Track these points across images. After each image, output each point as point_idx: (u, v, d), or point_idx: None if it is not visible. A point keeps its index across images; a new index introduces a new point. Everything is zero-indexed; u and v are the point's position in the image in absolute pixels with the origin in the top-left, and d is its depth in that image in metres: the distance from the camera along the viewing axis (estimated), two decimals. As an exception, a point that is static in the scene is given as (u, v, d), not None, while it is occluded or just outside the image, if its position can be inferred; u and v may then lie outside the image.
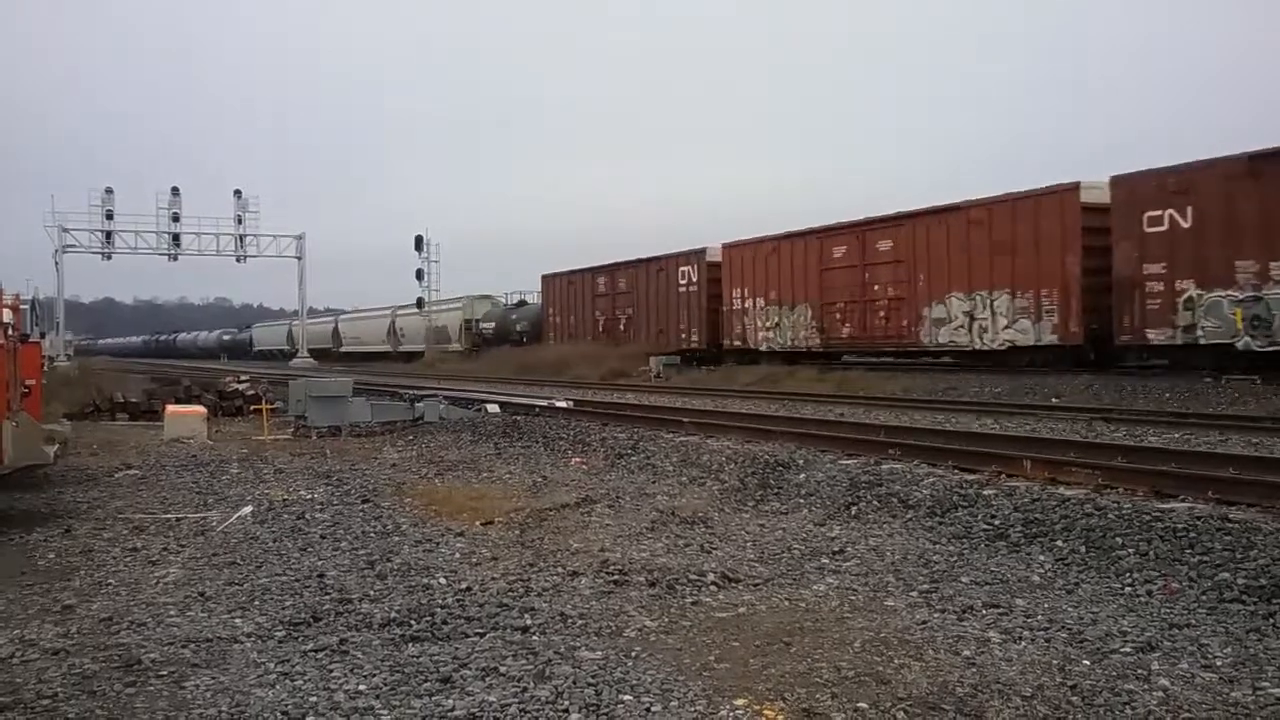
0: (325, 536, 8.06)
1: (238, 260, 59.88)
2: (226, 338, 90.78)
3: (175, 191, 56.84)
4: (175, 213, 56.71)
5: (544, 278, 43.44)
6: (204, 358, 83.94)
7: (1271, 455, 10.11)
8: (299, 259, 62.21)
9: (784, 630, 5.24)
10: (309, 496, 9.96)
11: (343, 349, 67.38)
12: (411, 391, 21.54)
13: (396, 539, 7.90)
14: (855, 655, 4.82)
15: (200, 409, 17.41)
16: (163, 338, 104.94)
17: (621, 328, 37.71)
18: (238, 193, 58.62)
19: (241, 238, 58.81)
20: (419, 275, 55.05)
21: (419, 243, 54.91)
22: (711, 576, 6.37)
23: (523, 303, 49.02)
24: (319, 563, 7.13)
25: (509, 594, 6.06)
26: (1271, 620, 5.23)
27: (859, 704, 4.18)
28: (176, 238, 57.09)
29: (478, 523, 8.40)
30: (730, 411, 18.23)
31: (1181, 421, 13.92)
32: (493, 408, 18.58)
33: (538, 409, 18.56)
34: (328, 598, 6.12)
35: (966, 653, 4.82)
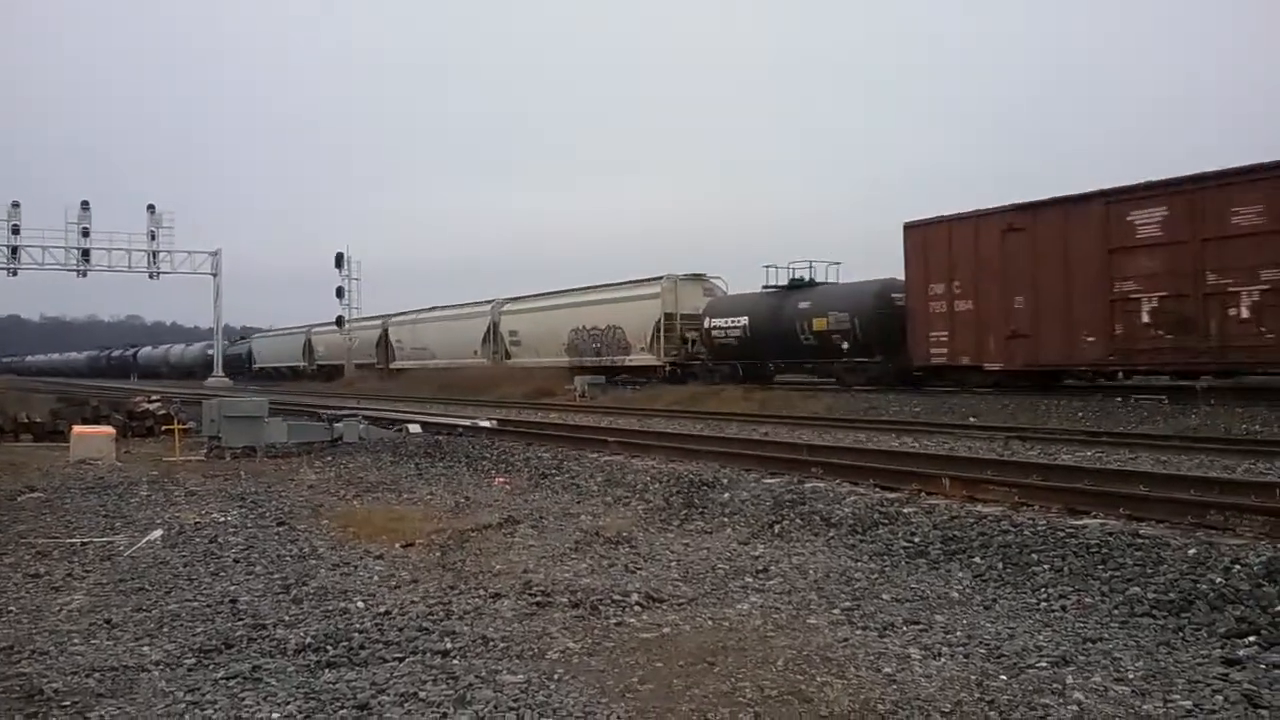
0: (239, 560, 7.83)
1: (151, 277, 58.63)
2: (213, 352, 69.30)
3: (85, 206, 55.61)
4: (85, 228, 55.44)
5: (910, 226, 24.10)
6: (180, 378, 66.74)
7: (1179, 473, 10.42)
8: (215, 275, 61.12)
9: (708, 650, 5.22)
10: (222, 519, 9.68)
11: (397, 364, 51.13)
12: (331, 411, 21.15)
13: (313, 562, 7.70)
14: (778, 674, 4.81)
15: (108, 429, 16.84)
16: (116, 354, 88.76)
17: (1245, 313, 17.56)
18: (151, 208, 57.56)
19: (155, 254, 57.56)
20: (339, 293, 54.41)
21: (339, 260, 54.26)
22: (636, 597, 6.33)
23: (806, 281, 29.02)
24: (232, 588, 6.92)
25: (429, 617, 5.95)
26: (1180, 633, 5.37)
27: (782, 723, 4.18)
28: (86, 253, 55.75)
29: (397, 545, 8.24)
30: (655, 431, 18.26)
31: (1094, 440, 14.30)
32: (414, 428, 18.35)
33: (461, 429, 18.37)
34: (240, 624, 5.94)
35: (888, 670, 4.85)
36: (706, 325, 30.88)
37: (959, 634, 5.47)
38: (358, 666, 5.05)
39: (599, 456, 13.35)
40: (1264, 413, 16.13)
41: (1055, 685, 4.58)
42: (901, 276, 24.99)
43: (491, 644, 5.37)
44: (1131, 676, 4.70)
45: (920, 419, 19.16)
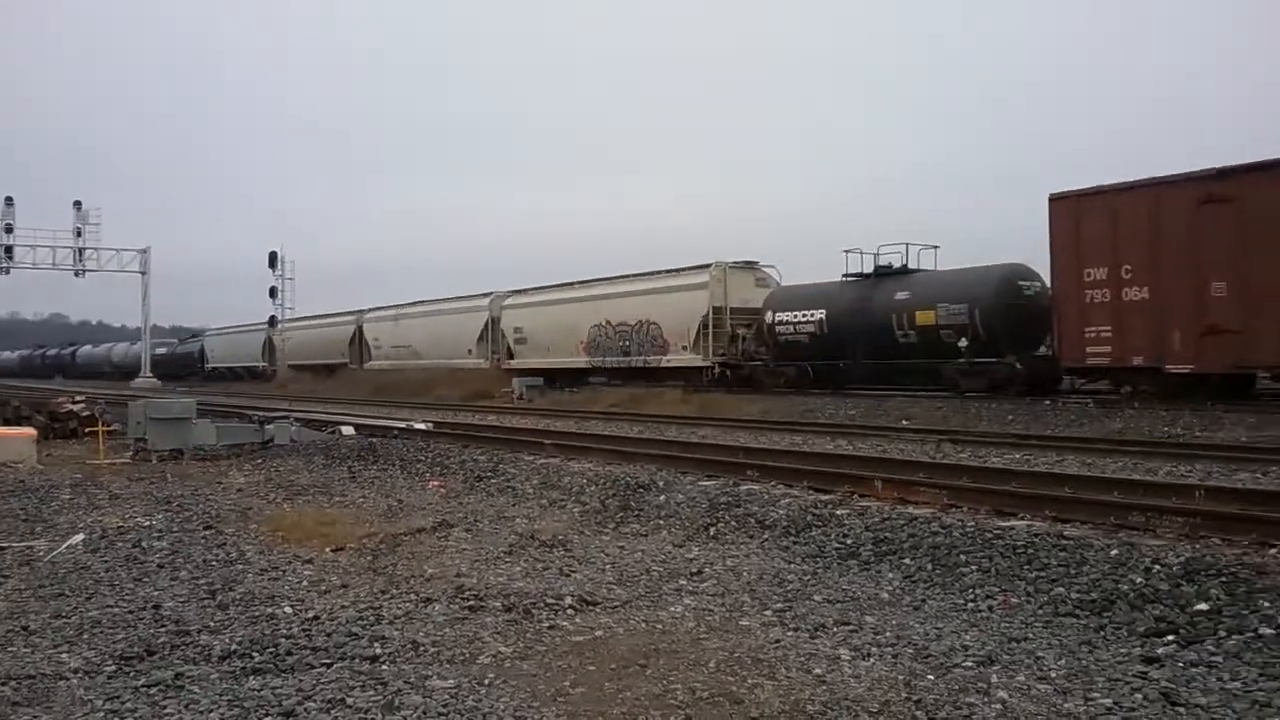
0: (163, 565, 7.66)
1: (76, 275, 57.28)
2: (161, 350, 64.97)
3: (9, 202, 54.20)
4: (8, 224, 54.06)
5: (1058, 199, 19.91)
6: (124, 378, 60.99)
7: (1103, 475, 10.67)
8: (143, 274, 59.83)
9: (640, 653, 5.22)
10: (146, 523, 9.46)
11: (373, 364, 45.66)
12: (261, 413, 20.78)
13: (240, 567, 7.56)
14: (710, 676, 4.83)
15: (29, 431, 16.37)
16: (51, 353, 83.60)
17: None
18: (77, 204, 56.26)
19: (81, 251, 56.22)
20: (273, 293, 53.51)
21: (273, 259, 53.36)
22: (569, 600, 6.31)
23: (900, 268, 25.02)
24: (155, 593, 6.76)
25: (359, 622, 5.86)
26: (1102, 633, 5.49)
27: (713, 725, 4.19)
28: (9, 250, 54.34)
29: (328, 549, 8.12)
30: (592, 433, 18.25)
31: (1022, 443, 14.58)
32: (348, 430, 18.11)
33: (395, 431, 18.18)
34: (164, 630, 5.81)
35: (818, 671, 4.89)
36: (769, 320, 26.81)
37: (888, 634, 5.53)
38: (284, 673, 4.96)
39: (535, 459, 13.29)
40: (1186, 417, 16.58)
41: (980, 684, 4.65)
42: (1028, 262, 22.26)
43: (422, 649, 5.32)
44: (1054, 675, 4.79)
45: (855, 422, 19.37)
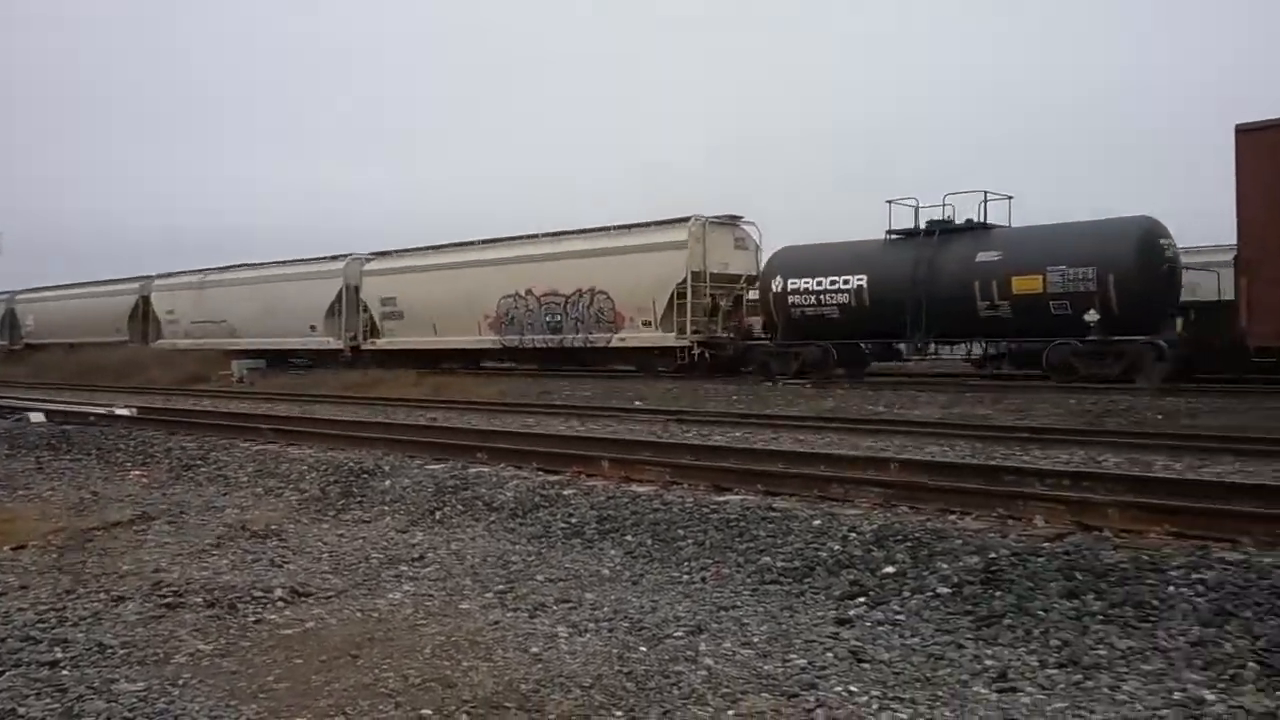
0: None
1: None
2: None
3: None
4: None
5: (1250, 131, 15.35)
6: None
7: (813, 450, 11.35)
8: None
9: (353, 643, 5.05)
10: None
11: (167, 341, 37.53)
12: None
13: (-104, 571, 6.71)
14: (424, 662, 4.74)
15: None
16: None
17: None
18: None
19: None
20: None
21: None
22: (279, 592, 6.01)
23: (976, 223, 19.83)
24: None
25: (38, 625, 5.34)
26: (802, 598, 5.83)
27: (423, 711, 4.11)
28: None
29: (6, 548, 7.35)
30: (315, 418, 17.53)
31: (744, 422, 15.29)
32: (37, 416, 16.50)
33: (93, 417, 16.74)
34: None
35: (535, 649, 4.91)
36: (775, 289, 21.59)
37: (606, 610, 5.63)
38: (-57, 686, 4.44)
39: (252, 445, 12.60)
40: (888, 396, 17.98)
41: (689, 653, 4.82)
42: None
43: (110, 651, 4.91)
44: (756, 640, 5.04)
45: (592, 403, 19.66)
